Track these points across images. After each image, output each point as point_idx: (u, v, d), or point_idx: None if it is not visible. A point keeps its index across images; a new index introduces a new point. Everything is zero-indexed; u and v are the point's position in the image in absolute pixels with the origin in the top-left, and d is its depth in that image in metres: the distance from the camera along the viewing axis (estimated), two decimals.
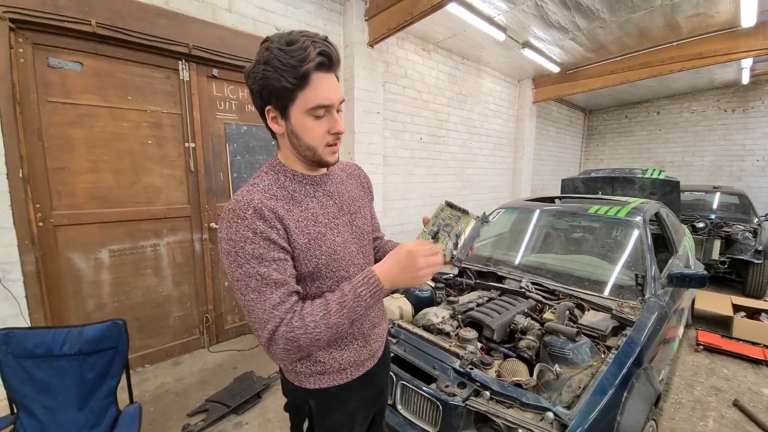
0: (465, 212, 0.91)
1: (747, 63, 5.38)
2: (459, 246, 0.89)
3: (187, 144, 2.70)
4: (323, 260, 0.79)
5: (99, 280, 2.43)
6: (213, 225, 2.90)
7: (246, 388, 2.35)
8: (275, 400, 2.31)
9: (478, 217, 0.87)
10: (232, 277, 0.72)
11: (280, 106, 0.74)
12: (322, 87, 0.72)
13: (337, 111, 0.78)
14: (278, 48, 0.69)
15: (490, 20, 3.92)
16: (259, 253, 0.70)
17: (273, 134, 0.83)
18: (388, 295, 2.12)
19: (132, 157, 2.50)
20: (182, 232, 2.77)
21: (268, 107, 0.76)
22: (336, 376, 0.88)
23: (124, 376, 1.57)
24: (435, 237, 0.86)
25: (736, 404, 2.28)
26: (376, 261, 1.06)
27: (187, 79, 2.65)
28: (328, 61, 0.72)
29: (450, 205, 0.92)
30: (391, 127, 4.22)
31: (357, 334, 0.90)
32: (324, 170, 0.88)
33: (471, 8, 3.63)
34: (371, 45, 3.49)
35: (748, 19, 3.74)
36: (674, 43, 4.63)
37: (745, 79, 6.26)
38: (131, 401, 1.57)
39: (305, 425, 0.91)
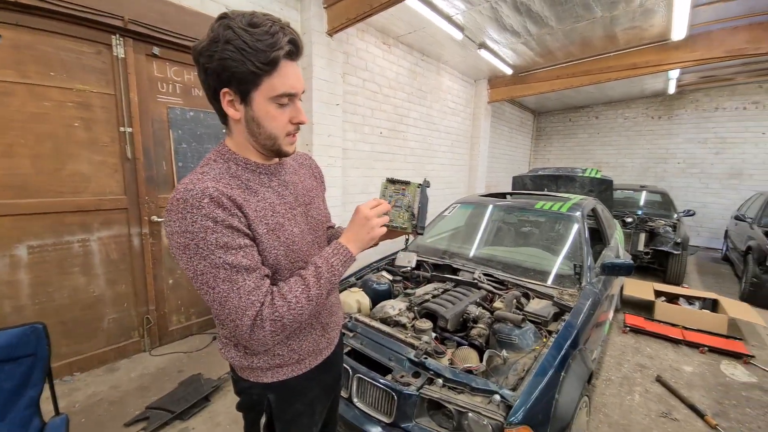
0: (407, 183, 0.94)
1: (674, 74, 5.99)
2: (416, 215, 0.91)
3: (122, 128, 2.45)
4: (282, 251, 0.77)
5: (15, 280, 2.14)
6: (155, 218, 2.67)
7: (192, 391, 2.21)
8: (225, 402, 2.20)
9: (420, 184, 0.91)
10: (193, 272, 0.66)
11: (241, 90, 0.69)
12: (289, 75, 0.70)
13: (300, 100, 0.77)
14: (241, 28, 0.65)
15: (448, 18, 4.00)
16: (224, 242, 0.66)
17: (223, 119, 0.78)
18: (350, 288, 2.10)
19: (55, 141, 2.21)
20: (117, 225, 2.51)
21: (226, 90, 0.70)
22: (295, 367, 0.87)
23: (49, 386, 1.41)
24: (387, 213, 0.88)
25: (659, 380, 2.58)
26: None
27: (122, 56, 2.39)
28: (296, 50, 0.70)
29: (391, 180, 0.95)
30: (350, 120, 4.16)
31: (315, 324, 0.90)
32: (277, 160, 0.85)
33: (430, 5, 3.67)
34: (330, 34, 3.40)
35: (679, 32, 4.16)
36: (612, 54, 5.06)
37: (672, 89, 7.02)
38: (57, 412, 1.42)
39: (263, 421, 0.88)
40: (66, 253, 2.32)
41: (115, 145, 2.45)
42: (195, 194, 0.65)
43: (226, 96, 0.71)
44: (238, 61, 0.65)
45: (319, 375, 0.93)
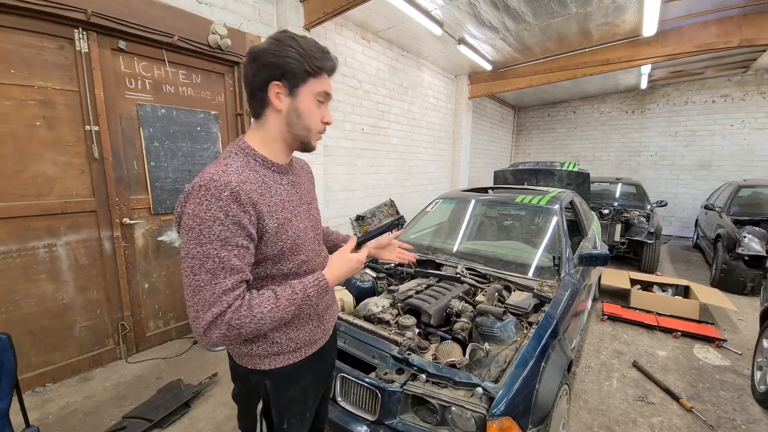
0: (397, 214, 1.02)
1: (646, 69, 6.20)
2: (370, 229, 1.00)
3: (88, 127, 2.33)
4: (288, 244, 0.85)
5: None
6: (127, 220, 2.56)
7: (171, 398, 2.14)
8: (206, 408, 2.14)
9: (397, 220, 1.01)
10: (186, 253, 0.71)
11: (291, 84, 0.82)
12: (328, 82, 0.88)
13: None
14: (302, 38, 0.82)
15: (426, 13, 3.99)
16: (225, 236, 0.71)
17: (257, 114, 0.86)
18: None
19: (15, 142, 2.09)
20: (86, 229, 2.40)
21: (276, 82, 0.81)
22: (291, 356, 0.92)
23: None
24: (362, 218, 0.91)
25: (635, 365, 2.67)
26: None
27: (86, 50, 2.27)
28: (334, 70, 0.89)
29: (392, 204, 1.05)
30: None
31: (313, 315, 0.96)
32: (288, 161, 0.94)
33: None
34: (307, 28, 3.33)
35: (650, 28, 4.29)
36: (587, 49, 5.17)
37: (644, 84, 7.25)
38: (27, 425, 1.37)
39: (260, 407, 0.93)
40: (31, 260, 2.20)
41: (80, 145, 2.33)
42: (218, 185, 0.71)
43: (275, 88, 0.82)
44: (297, 61, 0.80)
45: (314, 363, 0.99)
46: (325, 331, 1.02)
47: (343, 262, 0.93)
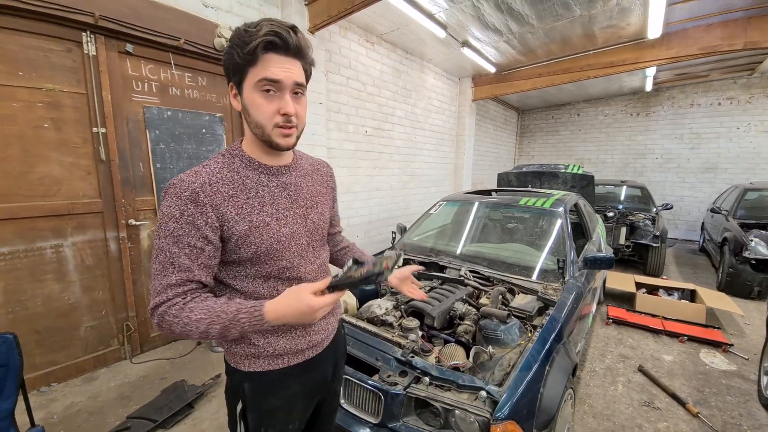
0: (397, 267, 0.86)
1: (651, 72, 6.16)
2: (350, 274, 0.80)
3: (95, 129, 2.35)
4: (263, 248, 0.81)
5: None
6: (132, 221, 2.58)
7: (175, 399, 2.15)
8: (210, 409, 2.15)
9: (380, 273, 0.79)
10: (154, 242, 0.76)
11: (236, 81, 0.78)
12: (271, 63, 0.74)
13: (296, 94, 0.80)
14: (241, 28, 0.74)
15: (430, 16, 4.00)
16: (177, 234, 0.73)
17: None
18: None
19: (23, 143, 2.11)
20: (92, 230, 2.42)
21: (231, 84, 0.79)
22: (271, 361, 0.87)
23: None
24: (360, 263, 0.79)
25: (641, 369, 2.64)
26: (332, 257, 1.17)
27: (94, 53, 2.30)
28: (281, 42, 0.74)
29: (398, 258, 0.85)
30: (334, 119, 4.12)
31: (296, 324, 0.88)
32: (284, 161, 0.89)
33: (412, 2, 3.66)
34: (312, 31, 3.35)
35: (654, 31, 4.27)
36: (591, 52, 5.16)
37: (649, 87, 7.21)
38: (32, 425, 1.38)
39: (239, 408, 0.89)
40: (38, 260, 2.22)
41: (87, 147, 2.35)
42: (183, 185, 0.74)
43: (231, 90, 0.80)
44: (230, 55, 0.75)
45: (301, 374, 0.92)
46: (313, 343, 0.93)
47: (293, 302, 0.74)
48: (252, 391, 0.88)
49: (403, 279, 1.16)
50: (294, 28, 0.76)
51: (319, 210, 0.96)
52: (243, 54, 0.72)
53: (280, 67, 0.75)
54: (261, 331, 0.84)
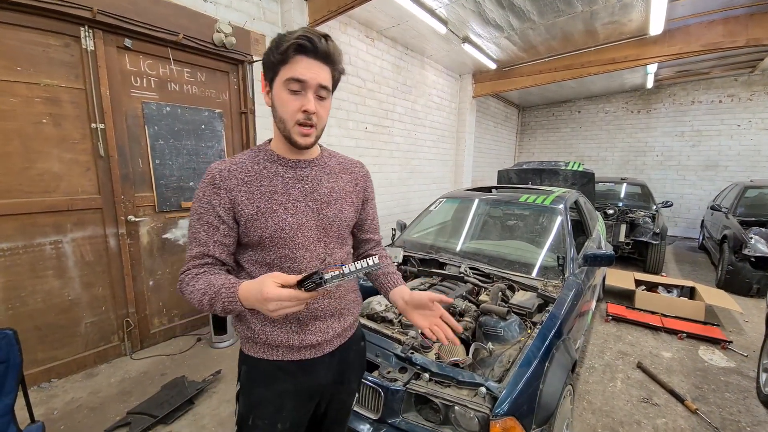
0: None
1: (652, 69, 6.14)
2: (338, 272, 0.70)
3: (94, 125, 2.34)
4: (267, 234, 0.85)
5: None
6: (132, 218, 2.58)
7: (176, 394, 2.15)
8: (210, 404, 2.16)
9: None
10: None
11: (269, 78, 0.85)
12: (300, 65, 0.80)
13: (320, 97, 0.84)
14: (282, 33, 0.82)
15: (431, 11, 3.97)
16: (199, 213, 0.85)
17: None
18: None
19: (22, 139, 2.10)
20: (92, 226, 2.42)
21: (263, 81, 0.87)
22: (266, 349, 0.90)
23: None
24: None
25: (640, 366, 2.65)
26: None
27: (92, 48, 2.29)
28: (311, 46, 0.79)
29: (375, 266, 0.72)
30: (334, 115, 4.11)
31: (291, 317, 0.89)
32: (306, 156, 0.93)
33: None
34: (312, 27, 3.33)
35: (656, 27, 4.24)
36: (592, 48, 5.13)
37: (650, 84, 7.18)
38: (32, 420, 1.38)
39: (237, 387, 0.96)
40: (38, 256, 2.22)
41: (86, 142, 2.34)
42: (208, 171, 0.86)
43: (265, 87, 0.87)
44: (267, 55, 0.83)
45: (295, 372, 0.91)
46: (307, 343, 0.90)
47: (256, 286, 0.71)
48: (246, 376, 0.93)
49: (416, 305, 0.95)
50: (326, 36, 0.82)
51: (337, 206, 0.94)
52: (277, 54, 0.80)
53: (307, 69, 0.80)
54: (258, 316, 0.88)
